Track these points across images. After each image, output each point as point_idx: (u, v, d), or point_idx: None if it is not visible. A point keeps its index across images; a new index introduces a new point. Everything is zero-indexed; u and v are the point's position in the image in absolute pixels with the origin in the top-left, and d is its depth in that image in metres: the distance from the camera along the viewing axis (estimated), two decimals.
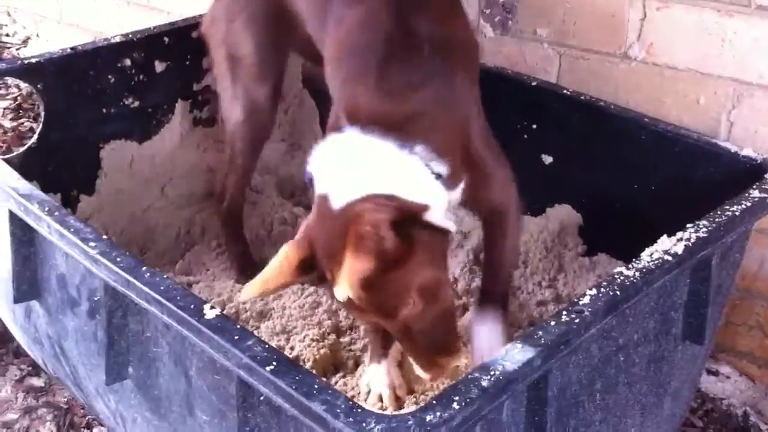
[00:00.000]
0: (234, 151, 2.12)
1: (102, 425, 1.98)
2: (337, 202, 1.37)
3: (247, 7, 1.98)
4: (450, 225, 1.39)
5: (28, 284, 1.76)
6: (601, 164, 2.02)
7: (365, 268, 1.29)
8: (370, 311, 1.37)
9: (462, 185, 1.55)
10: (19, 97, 3.38)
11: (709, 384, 2.09)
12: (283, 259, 1.37)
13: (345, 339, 1.99)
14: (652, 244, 1.49)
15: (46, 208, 1.58)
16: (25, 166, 1.99)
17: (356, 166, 1.39)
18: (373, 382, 1.80)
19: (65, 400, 2.11)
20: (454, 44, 1.56)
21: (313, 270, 1.39)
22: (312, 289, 2.09)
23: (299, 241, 1.40)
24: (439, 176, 1.44)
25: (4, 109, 3.32)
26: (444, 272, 1.45)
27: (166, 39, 2.38)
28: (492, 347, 1.59)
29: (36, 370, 2.17)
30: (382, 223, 1.30)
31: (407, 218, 1.33)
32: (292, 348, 1.94)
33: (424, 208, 1.36)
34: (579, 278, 2.08)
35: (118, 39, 2.32)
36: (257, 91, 2.02)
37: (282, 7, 1.91)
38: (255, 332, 1.94)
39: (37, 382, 2.16)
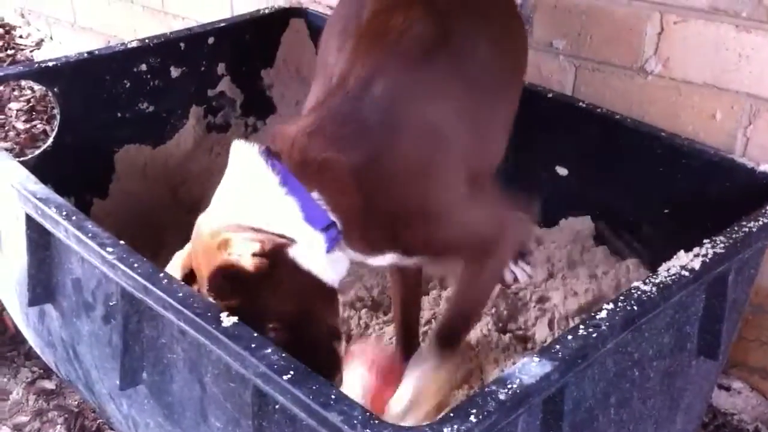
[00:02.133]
0: None
1: (113, 429, 1.98)
2: (208, 226, 1.41)
3: (342, 19, 1.94)
4: (325, 273, 1.42)
5: (43, 287, 1.76)
6: (616, 177, 2.02)
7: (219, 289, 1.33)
8: None
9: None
10: (32, 99, 3.39)
11: (721, 399, 2.09)
12: (174, 266, 1.48)
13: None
14: (669, 257, 1.49)
15: (64, 212, 1.58)
16: (39, 169, 1.99)
17: (239, 194, 1.43)
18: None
19: (76, 403, 2.11)
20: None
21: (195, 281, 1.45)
22: None
23: (185, 255, 1.49)
24: (327, 227, 1.42)
25: (18, 110, 3.34)
26: (313, 309, 1.43)
27: (182, 45, 2.39)
28: (418, 378, 1.54)
29: (47, 372, 2.17)
30: (243, 248, 1.33)
31: (273, 250, 1.34)
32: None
33: (288, 243, 1.37)
34: (601, 286, 2.07)
35: (134, 44, 2.33)
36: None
37: None
38: None
39: (49, 384, 2.16)
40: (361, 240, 1.47)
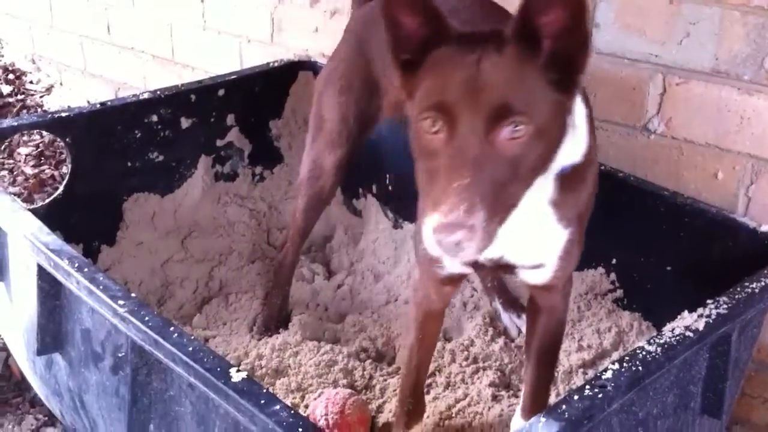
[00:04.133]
0: (296, 207, 2.16)
1: None
2: None
3: (344, 77, 2.00)
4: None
5: (52, 337, 1.78)
6: (620, 234, 2.05)
7: None
8: None
9: None
10: (41, 145, 3.43)
11: None
12: None
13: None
14: (672, 314, 1.51)
15: (76, 264, 1.60)
16: (49, 216, 2.02)
17: None
18: None
19: None
20: None
21: None
22: (328, 347, 2.10)
23: None
24: None
25: (27, 155, 3.37)
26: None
27: (192, 96, 2.44)
28: None
29: (52, 419, 2.18)
30: None
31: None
32: (306, 406, 1.95)
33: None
34: (604, 341, 2.09)
35: (146, 95, 2.38)
36: (327, 157, 2.05)
37: (372, 76, 1.92)
38: (270, 389, 1.97)
39: None
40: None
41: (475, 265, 1.55)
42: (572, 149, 1.37)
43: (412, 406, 1.77)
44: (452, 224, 1.14)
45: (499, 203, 1.20)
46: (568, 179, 1.40)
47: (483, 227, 1.16)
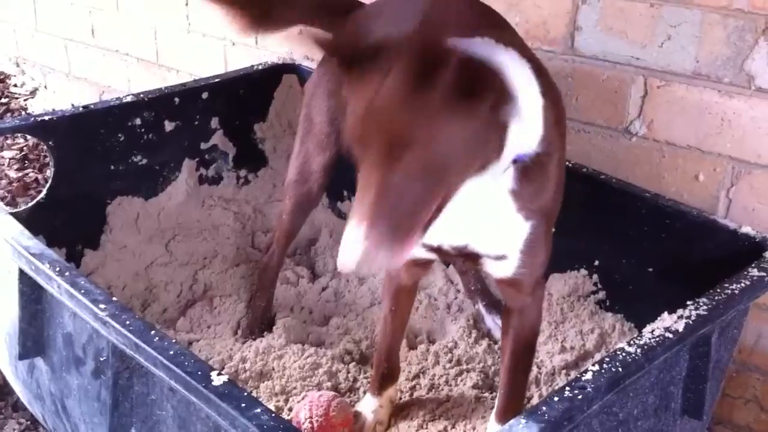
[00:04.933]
0: (283, 209, 2.16)
1: None
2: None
3: (332, 81, 2.00)
4: (515, 135, 1.33)
5: (33, 341, 1.77)
6: (600, 236, 2.06)
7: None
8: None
9: None
10: (25, 148, 3.42)
11: None
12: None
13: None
14: (654, 316, 1.52)
15: (57, 269, 1.60)
16: (32, 220, 2.02)
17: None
18: (364, 409, 1.91)
19: None
20: None
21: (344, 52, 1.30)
22: (312, 350, 2.10)
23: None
24: None
25: (10, 159, 3.36)
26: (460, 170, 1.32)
27: (176, 99, 2.44)
28: None
29: (35, 424, 2.17)
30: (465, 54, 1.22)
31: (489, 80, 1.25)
32: (290, 409, 1.95)
33: (511, 99, 1.28)
34: (586, 342, 2.10)
35: (129, 99, 2.37)
36: (314, 158, 2.05)
37: None
38: (254, 392, 1.97)
39: None
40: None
41: (440, 252, 1.59)
42: (523, 138, 1.37)
43: (387, 370, 1.90)
44: (352, 244, 1.20)
45: (412, 218, 1.24)
46: (528, 170, 1.43)
47: (383, 248, 1.21)
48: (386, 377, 1.91)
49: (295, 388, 2.02)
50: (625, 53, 2.06)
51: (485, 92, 1.23)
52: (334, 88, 2.00)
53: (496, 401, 1.75)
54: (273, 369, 2.07)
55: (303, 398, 1.92)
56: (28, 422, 2.18)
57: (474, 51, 1.26)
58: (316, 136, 2.05)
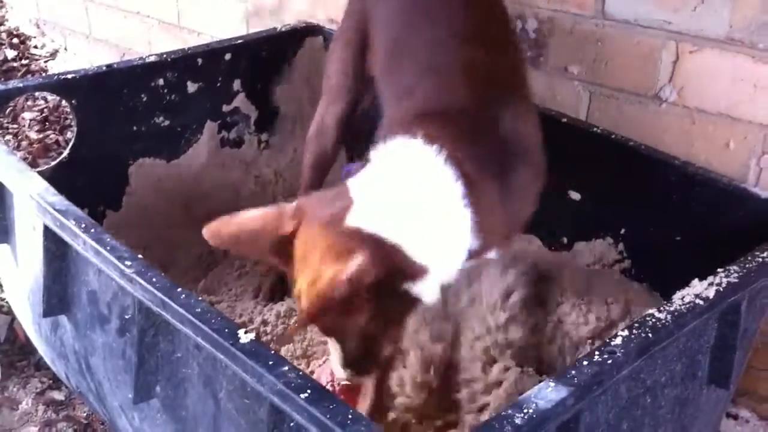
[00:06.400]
0: (304, 164, 2.16)
1: None
2: (352, 218, 1.32)
3: (345, 32, 2.01)
4: (428, 297, 1.37)
5: (58, 299, 1.77)
6: (629, 204, 2.03)
7: (318, 300, 1.27)
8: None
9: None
10: (45, 110, 3.41)
11: (729, 427, 2.09)
12: (266, 219, 1.37)
13: None
14: (681, 285, 1.50)
15: (83, 225, 1.59)
16: (54, 179, 2.00)
17: (400, 190, 1.35)
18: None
19: (85, 414, 2.11)
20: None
21: (284, 251, 1.35)
22: None
23: (288, 213, 1.36)
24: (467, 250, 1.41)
25: (31, 120, 3.35)
26: (390, 327, 1.42)
27: (199, 60, 2.41)
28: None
29: (57, 383, 2.18)
30: (365, 275, 1.25)
31: (393, 276, 1.30)
32: (311, 372, 1.94)
33: (420, 272, 1.32)
34: (612, 312, 2.07)
35: (152, 59, 2.35)
36: (328, 112, 2.05)
37: (366, 29, 1.93)
38: None
39: (58, 395, 2.16)
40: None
41: None
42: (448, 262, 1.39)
43: None
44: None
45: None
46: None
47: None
48: None
49: (315, 352, 2.01)
50: (657, 17, 2.02)
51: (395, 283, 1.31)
52: (345, 41, 2.01)
53: None
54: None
55: (324, 362, 1.91)
56: (51, 381, 2.19)
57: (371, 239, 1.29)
58: (330, 89, 2.05)
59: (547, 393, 1.24)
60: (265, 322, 2.09)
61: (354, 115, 2.05)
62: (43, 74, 3.65)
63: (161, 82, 2.36)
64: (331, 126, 2.05)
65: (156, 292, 1.42)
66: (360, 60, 1.97)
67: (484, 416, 1.79)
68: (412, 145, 1.40)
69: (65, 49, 3.84)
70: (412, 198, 1.34)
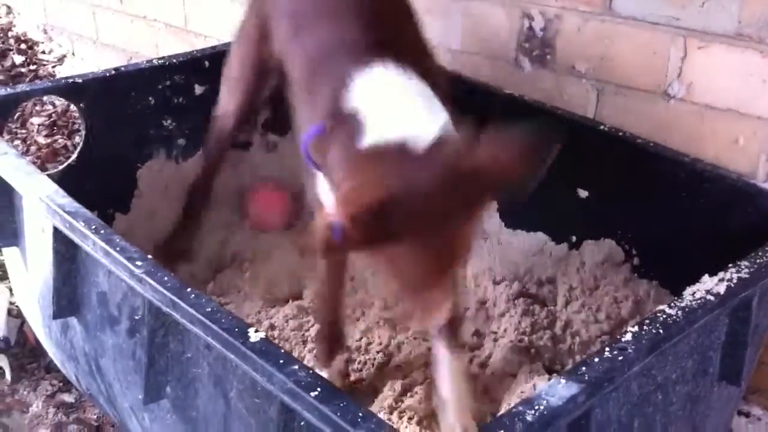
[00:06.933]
0: (208, 138, 2.26)
1: None
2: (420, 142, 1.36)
3: (243, 26, 2.10)
4: None
5: (68, 300, 1.77)
6: (638, 201, 2.03)
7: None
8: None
9: None
10: (54, 114, 3.42)
11: (740, 425, 2.08)
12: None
13: None
14: (690, 282, 1.49)
15: (92, 226, 1.59)
16: (62, 183, 2.00)
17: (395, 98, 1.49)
18: None
19: (96, 417, 2.11)
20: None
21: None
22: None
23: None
24: None
25: (39, 125, 3.36)
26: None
27: (206, 63, 2.42)
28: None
29: (67, 386, 2.18)
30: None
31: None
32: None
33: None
34: (621, 310, 2.07)
35: (160, 61, 2.36)
36: (228, 101, 2.16)
37: (265, 20, 1.98)
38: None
39: (68, 398, 2.17)
40: None
41: None
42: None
43: (332, 341, 1.92)
44: None
45: None
46: None
47: None
48: (333, 347, 1.91)
49: None
50: (665, 13, 2.01)
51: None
52: (244, 33, 2.08)
53: None
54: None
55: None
56: (61, 383, 2.20)
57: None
58: (230, 79, 2.14)
59: (558, 390, 1.24)
60: (272, 326, 2.09)
61: (257, 100, 2.20)
62: (51, 79, 3.66)
63: (168, 84, 2.37)
64: (230, 112, 2.16)
65: (166, 292, 1.43)
66: (258, 53, 2.03)
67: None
68: (378, 69, 1.53)
69: (73, 54, 3.85)
70: (408, 99, 1.49)
